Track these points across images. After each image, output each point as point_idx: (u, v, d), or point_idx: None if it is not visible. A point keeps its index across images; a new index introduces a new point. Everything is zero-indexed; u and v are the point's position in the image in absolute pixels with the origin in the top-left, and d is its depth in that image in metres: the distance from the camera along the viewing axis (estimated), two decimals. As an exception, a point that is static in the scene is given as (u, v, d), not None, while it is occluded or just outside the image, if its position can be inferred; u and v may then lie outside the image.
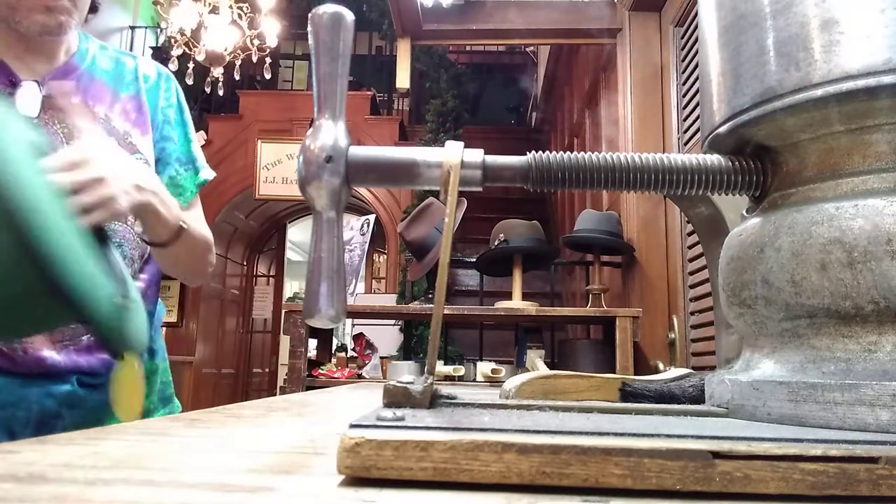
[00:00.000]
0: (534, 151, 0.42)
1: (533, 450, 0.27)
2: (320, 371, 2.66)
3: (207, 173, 1.09)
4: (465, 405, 0.38)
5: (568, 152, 0.42)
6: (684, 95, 2.43)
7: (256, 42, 5.24)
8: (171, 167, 1.04)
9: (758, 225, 0.40)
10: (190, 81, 5.02)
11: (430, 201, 2.69)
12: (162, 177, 1.01)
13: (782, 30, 0.38)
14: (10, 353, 0.86)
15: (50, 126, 0.91)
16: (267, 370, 7.96)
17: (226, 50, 5.11)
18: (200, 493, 0.26)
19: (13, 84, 0.90)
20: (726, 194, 0.42)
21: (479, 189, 0.41)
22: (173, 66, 4.81)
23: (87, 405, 0.91)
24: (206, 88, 5.46)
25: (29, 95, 0.91)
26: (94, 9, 1.00)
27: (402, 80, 3.21)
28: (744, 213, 0.45)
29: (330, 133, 0.39)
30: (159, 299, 1.11)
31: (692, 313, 2.26)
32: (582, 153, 0.41)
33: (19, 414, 0.86)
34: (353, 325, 4.03)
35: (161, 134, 1.04)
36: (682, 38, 2.48)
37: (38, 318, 0.64)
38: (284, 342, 2.75)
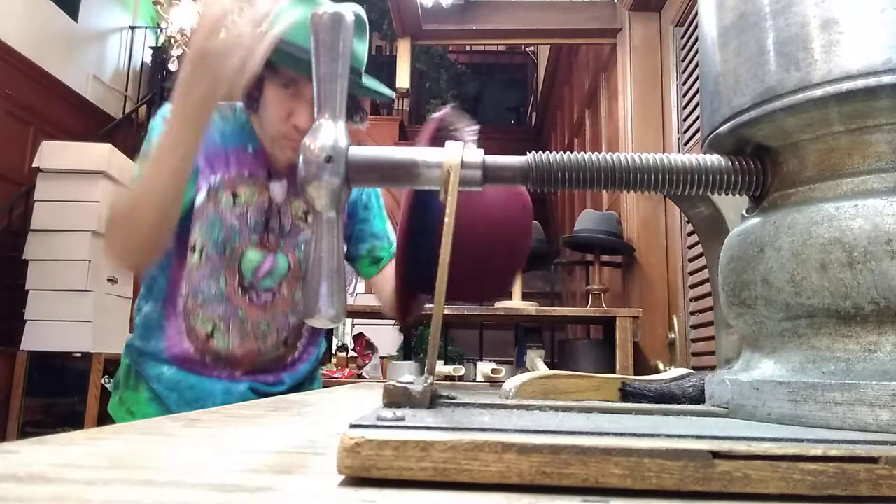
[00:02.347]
0: (534, 151, 0.42)
1: (533, 450, 0.27)
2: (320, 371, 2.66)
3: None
4: (465, 405, 0.38)
5: (568, 152, 0.42)
6: (684, 95, 2.43)
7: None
8: (369, 242, 1.27)
9: (758, 225, 0.40)
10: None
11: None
12: (361, 249, 1.26)
13: (782, 30, 0.38)
14: (212, 368, 1.14)
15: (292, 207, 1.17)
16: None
17: (226, 50, 5.09)
18: (200, 493, 0.26)
19: (269, 176, 1.15)
20: (726, 194, 0.42)
21: (479, 189, 0.41)
22: (173, 66, 4.81)
23: None
24: (206, 88, 5.44)
25: (280, 188, 1.16)
26: None
27: (402, 80, 3.21)
28: (744, 213, 0.45)
29: (330, 133, 0.39)
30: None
31: (692, 313, 2.26)
32: (582, 153, 0.41)
33: (207, 405, 1.02)
34: (353, 325, 4.03)
35: (359, 217, 1.26)
36: (682, 38, 2.48)
37: None
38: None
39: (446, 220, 0.39)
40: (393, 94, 1.31)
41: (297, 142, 1.10)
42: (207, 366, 1.15)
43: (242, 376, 1.17)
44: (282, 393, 1.19)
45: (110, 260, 1.04)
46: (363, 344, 3.05)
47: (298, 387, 1.25)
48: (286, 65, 1.05)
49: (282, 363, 1.22)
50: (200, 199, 1.10)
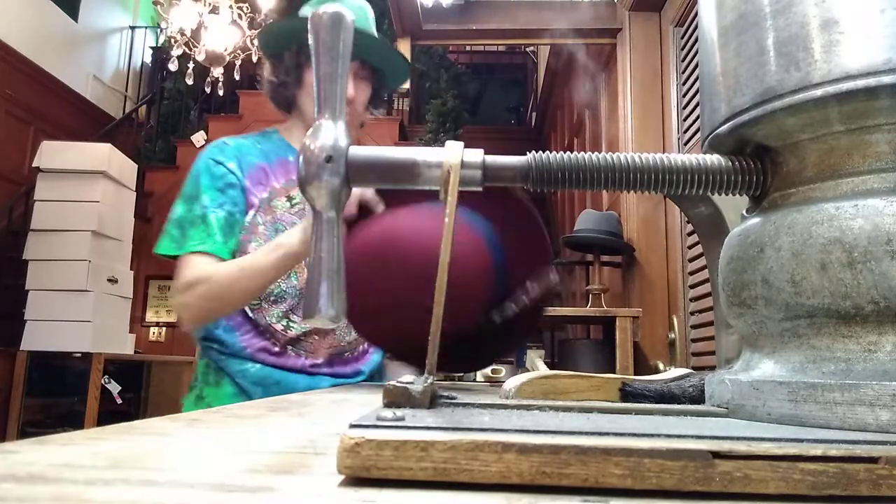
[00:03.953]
0: (534, 151, 0.42)
1: (533, 450, 0.27)
2: (320, 371, 2.66)
3: None
4: (465, 405, 0.38)
5: (568, 152, 0.42)
6: (684, 95, 2.43)
7: (256, 42, 5.23)
8: None
9: (758, 225, 0.40)
10: (190, 81, 5.02)
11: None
12: None
13: (782, 30, 0.38)
14: (294, 357, 1.23)
15: None
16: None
17: (226, 50, 5.11)
18: (200, 493, 0.26)
19: None
20: (726, 194, 0.42)
21: (479, 189, 0.41)
22: (173, 65, 4.81)
23: None
24: (206, 88, 5.45)
25: None
26: (361, 125, 1.41)
27: (402, 80, 3.20)
28: (744, 213, 0.45)
29: (330, 133, 0.39)
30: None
31: (692, 313, 2.26)
32: (582, 153, 0.41)
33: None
34: (353, 325, 4.02)
35: None
36: (682, 38, 2.48)
37: None
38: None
39: (446, 220, 0.38)
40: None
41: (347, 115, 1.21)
42: (290, 356, 1.22)
43: (324, 367, 1.25)
44: (362, 382, 1.29)
45: (187, 325, 1.20)
46: (363, 344, 3.04)
47: (373, 377, 1.34)
48: None
49: (356, 352, 1.30)
50: (250, 217, 1.22)
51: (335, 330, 1.26)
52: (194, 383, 1.28)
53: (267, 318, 1.23)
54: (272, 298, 1.22)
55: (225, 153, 1.25)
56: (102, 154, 4.26)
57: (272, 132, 1.35)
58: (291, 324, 1.24)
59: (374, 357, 1.34)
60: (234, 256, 1.19)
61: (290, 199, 1.27)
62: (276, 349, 1.22)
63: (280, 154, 1.31)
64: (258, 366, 1.21)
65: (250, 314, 1.23)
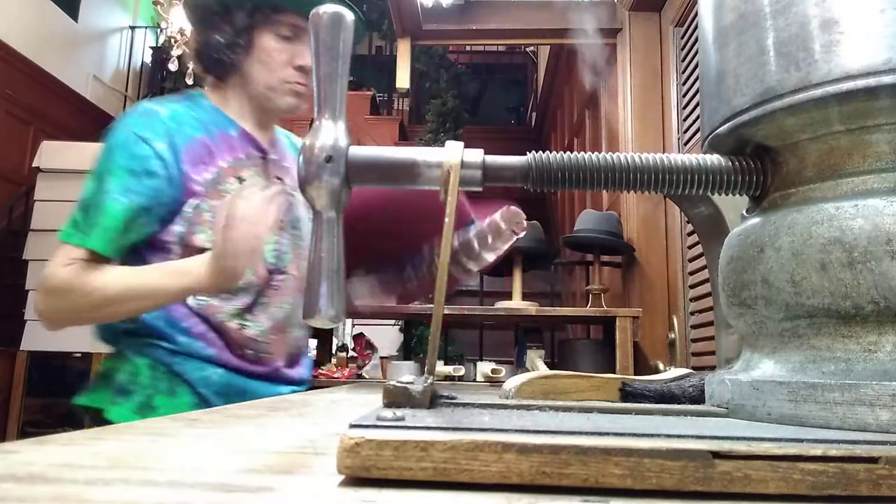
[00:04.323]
0: (534, 151, 0.42)
1: (533, 450, 0.27)
2: (320, 371, 2.66)
3: None
4: (465, 405, 0.38)
5: (568, 152, 0.42)
6: (684, 95, 2.43)
7: None
8: None
9: (758, 225, 0.40)
10: (190, 81, 5.01)
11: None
12: None
13: (782, 30, 0.38)
14: (256, 360, 1.11)
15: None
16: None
17: (226, 50, 5.09)
18: (200, 493, 0.26)
19: (264, 157, 1.16)
20: (726, 194, 0.42)
21: (479, 189, 0.41)
22: (173, 65, 4.81)
23: None
24: (206, 88, 5.44)
25: (271, 165, 1.18)
26: None
27: (402, 80, 3.21)
28: (744, 213, 0.45)
29: (330, 133, 0.39)
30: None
31: (692, 313, 2.26)
32: (582, 153, 0.41)
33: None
34: (353, 325, 4.03)
35: None
36: (682, 38, 2.48)
37: None
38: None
39: (446, 219, 0.38)
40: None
41: (300, 85, 1.12)
42: (249, 360, 1.10)
43: (282, 370, 1.15)
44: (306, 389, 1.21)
45: (47, 326, 1.02)
46: (363, 344, 3.05)
47: (305, 382, 1.25)
48: (291, 6, 1.07)
49: (301, 350, 1.22)
50: (195, 202, 1.04)
51: (288, 331, 1.14)
52: (130, 387, 1.04)
53: (219, 315, 1.06)
54: (224, 295, 1.06)
55: (154, 127, 1.03)
56: (102, 154, 4.26)
57: (198, 96, 1.15)
58: (246, 323, 1.09)
59: (307, 361, 1.26)
60: (123, 257, 1.02)
61: (239, 179, 1.09)
62: (234, 349, 1.08)
63: (220, 127, 1.12)
64: (220, 371, 1.06)
65: (195, 307, 1.05)
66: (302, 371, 1.23)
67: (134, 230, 1.01)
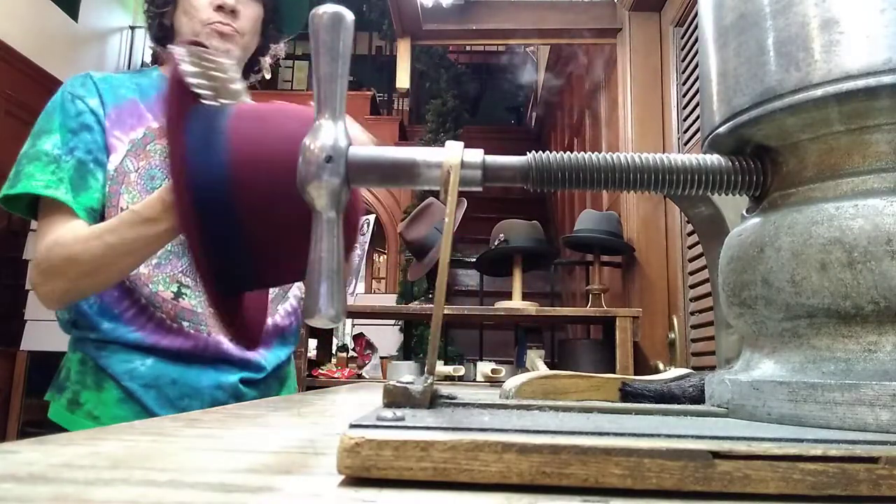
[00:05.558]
0: (534, 151, 0.42)
1: (533, 450, 0.27)
2: (320, 371, 2.66)
3: None
4: (465, 405, 0.38)
5: (568, 152, 0.42)
6: (684, 95, 2.43)
7: (256, 42, 5.22)
8: None
9: (758, 225, 0.40)
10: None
11: (429, 201, 2.69)
12: None
13: (782, 30, 0.38)
14: (195, 335, 1.01)
15: None
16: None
17: (226, 50, 5.09)
18: (200, 493, 0.26)
19: None
20: (726, 194, 0.42)
21: (479, 189, 0.41)
22: (173, 66, 4.79)
23: (246, 399, 1.04)
24: (206, 88, 5.43)
25: None
26: (257, 71, 1.23)
27: (402, 80, 3.21)
28: (744, 213, 0.45)
29: (330, 133, 0.39)
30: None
31: (692, 313, 2.26)
32: (582, 153, 0.41)
33: (194, 405, 1.00)
34: (353, 325, 4.03)
35: None
36: (682, 38, 2.48)
37: None
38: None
39: (446, 219, 0.39)
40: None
41: (224, 25, 1.10)
42: (187, 335, 1.01)
43: (229, 353, 1.03)
44: (265, 379, 1.10)
45: (47, 305, 0.95)
46: (363, 344, 3.05)
47: (279, 376, 1.15)
48: None
49: (267, 328, 1.08)
50: (116, 163, 1.01)
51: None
52: (65, 383, 1.03)
53: (150, 285, 0.99)
54: (154, 261, 0.99)
55: (86, 87, 1.05)
56: (102, 154, 4.26)
57: (151, 70, 1.18)
58: (184, 290, 1.01)
59: (276, 349, 1.13)
60: (91, 217, 0.97)
61: None
62: (168, 326, 1.00)
63: (159, 91, 1.11)
64: (150, 360, 0.99)
65: (126, 282, 0.98)
66: (266, 354, 1.09)
67: (85, 189, 0.98)
